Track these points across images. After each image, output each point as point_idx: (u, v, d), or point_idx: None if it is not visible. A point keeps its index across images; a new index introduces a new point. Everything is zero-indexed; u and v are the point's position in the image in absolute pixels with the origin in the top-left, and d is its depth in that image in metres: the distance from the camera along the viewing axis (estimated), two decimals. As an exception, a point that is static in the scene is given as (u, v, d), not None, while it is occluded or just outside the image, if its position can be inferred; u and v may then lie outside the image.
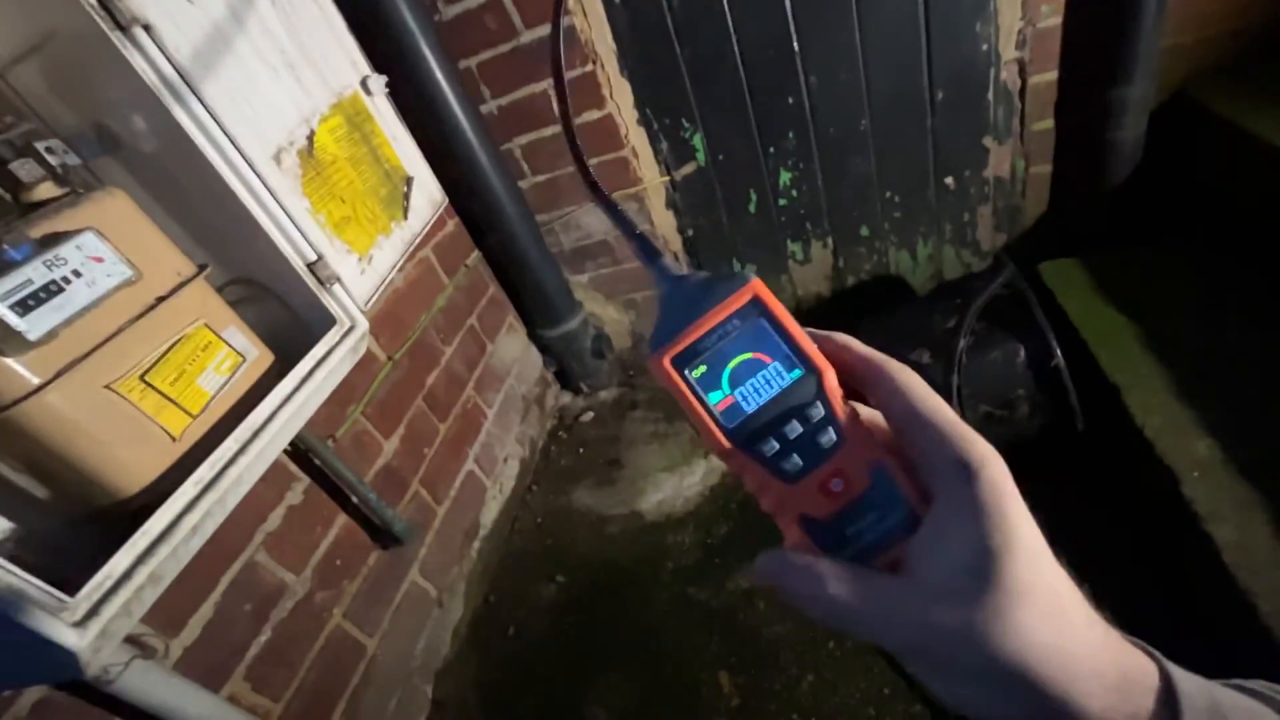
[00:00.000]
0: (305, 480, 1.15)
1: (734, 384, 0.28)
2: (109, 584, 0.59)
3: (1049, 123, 1.55)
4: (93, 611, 0.57)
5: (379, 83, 1.15)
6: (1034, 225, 1.70)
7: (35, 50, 0.76)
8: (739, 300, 0.28)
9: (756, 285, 0.28)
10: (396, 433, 1.40)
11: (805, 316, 1.99)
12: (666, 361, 0.28)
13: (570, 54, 1.59)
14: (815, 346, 0.29)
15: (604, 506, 1.70)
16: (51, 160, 0.73)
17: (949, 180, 1.66)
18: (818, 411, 0.28)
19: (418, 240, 1.33)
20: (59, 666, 0.58)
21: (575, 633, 1.42)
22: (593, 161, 1.77)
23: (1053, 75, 1.48)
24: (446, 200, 1.50)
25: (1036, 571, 0.24)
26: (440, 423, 1.54)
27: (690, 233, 1.89)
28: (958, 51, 1.47)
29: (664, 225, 1.88)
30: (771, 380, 0.28)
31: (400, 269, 1.42)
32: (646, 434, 1.87)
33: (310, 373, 0.84)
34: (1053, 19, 1.41)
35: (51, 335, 0.60)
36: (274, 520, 1.08)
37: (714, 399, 0.28)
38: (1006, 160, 1.62)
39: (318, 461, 1.14)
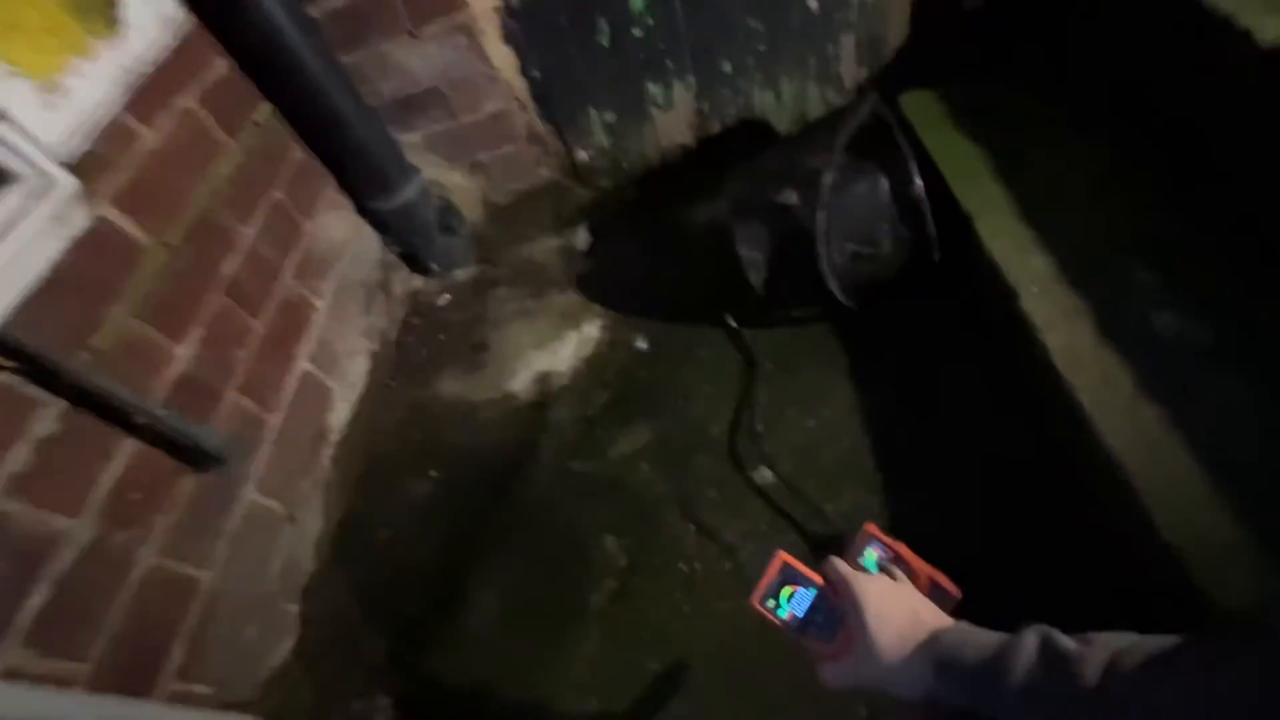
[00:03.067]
0: (59, 404, 0.89)
1: (788, 602, 0.56)
2: None
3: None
4: None
5: None
6: (895, 57, 1.64)
7: None
8: (776, 565, 0.57)
9: (782, 555, 0.58)
10: (191, 335, 1.13)
11: (671, 171, 1.85)
12: (755, 604, 0.57)
13: None
14: (816, 574, 0.57)
15: (473, 393, 1.56)
16: None
17: (813, 4, 1.52)
18: (826, 604, 0.56)
19: (147, 73, 0.98)
20: None
21: (455, 524, 1.33)
22: (403, -20, 1.42)
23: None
24: (191, 20, 1.13)
25: (877, 639, 0.51)
26: (253, 319, 1.28)
27: (535, 74, 1.63)
28: None
29: (504, 66, 1.60)
30: (803, 596, 0.56)
31: (147, 120, 1.07)
32: (512, 312, 1.71)
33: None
34: None
35: None
36: (17, 458, 0.83)
37: (781, 614, 0.56)
38: (869, -20, 1.50)
39: (72, 380, 0.88)
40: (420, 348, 1.72)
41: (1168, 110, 1.12)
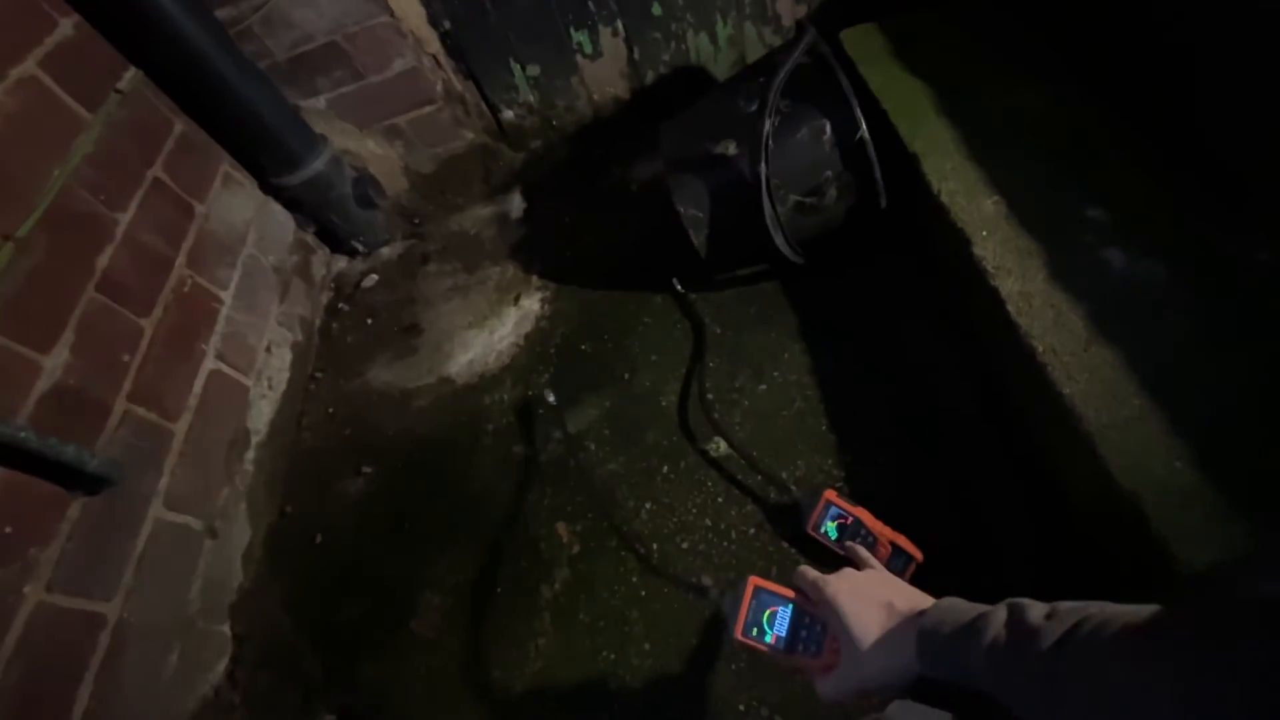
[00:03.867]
0: (-113, 436, 0.76)
1: (770, 625, 0.58)
2: None
3: None
4: None
5: None
6: (833, -10, 1.54)
7: None
8: (749, 593, 0.59)
9: (755, 580, 0.60)
10: (61, 340, 0.99)
11: (605, 127, 1.73)
12: (739, 636, 0.58)
13: None
14: (785, 589, 0.59)
15: (407, 380, 1.46)
16: None
17: (743, -67, 1.41)
18: (807, 620, 0.58)
19: None
20: None
21: (395, 522, 1.25)
22: (279, -83, 1.24)
23: None
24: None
25: (863, 639, 0.52)
26: (140, 317, 1.14)
27: (446, 25, 1.48)
28: None
29: (410, 15, 1.44)
30: (783, 616, 0.58)
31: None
32: (445, 290, 1.60)
33: None
34: None
35: None
36: None
37: (766, 639, 0.58)
38: (802, -97, 1.38)
39: (-99, 405, 0.75)
40: (347, 335, 1.59)
41: (1114, 40, 1.07)
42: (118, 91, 1.20)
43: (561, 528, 1.16)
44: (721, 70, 1.65)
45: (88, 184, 1.10)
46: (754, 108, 1.13)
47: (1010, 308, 0.93)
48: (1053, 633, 0.39)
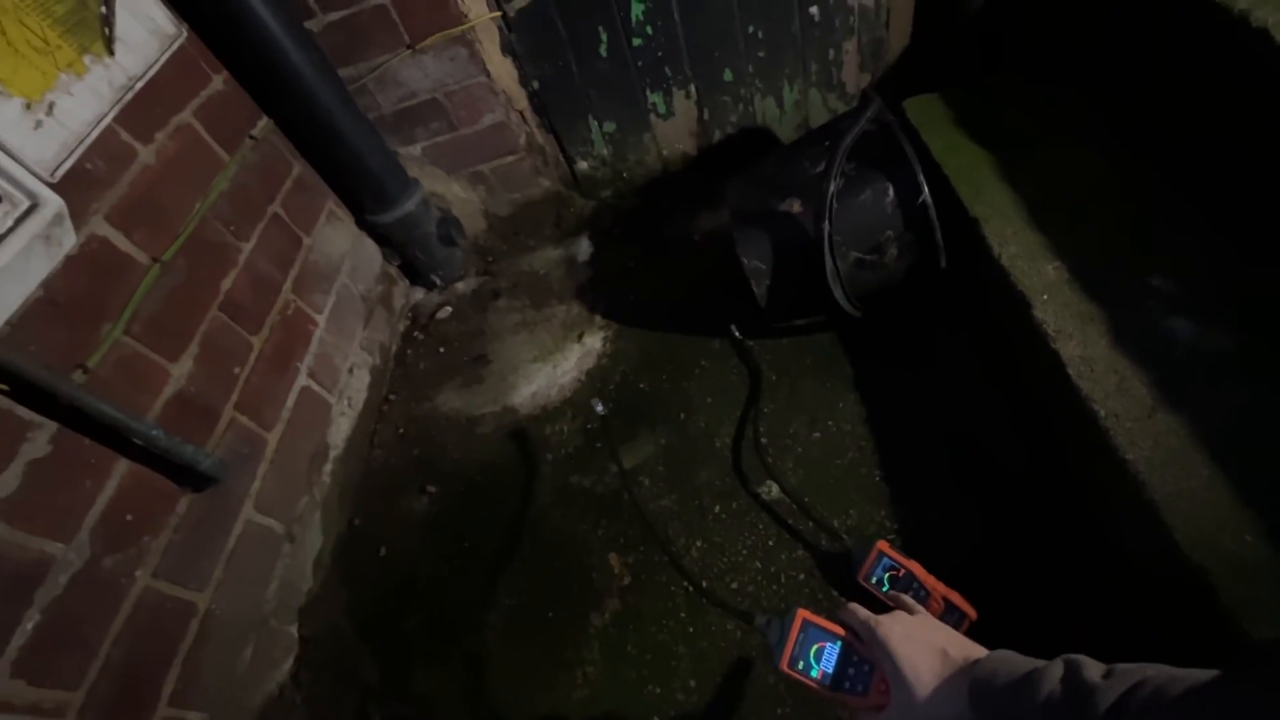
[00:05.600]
0: (50, 426, 0.88)
1: (818, 660, 0.57)
2: None
3: (912, -63, 1.42)
4: None
5: None
6: (898, 60, 1.62)
7: None
8: (798, 624, 0.59)
9: (803, 613, 0.59)
10: (187, 352, 1.12)
11: (673, 180, 1.83)
12: (785, 668, 0.58)
13: None
14: (837, 625, 0.59)
15: (473, 407, 1.54)
16: None
17: (813, 10, 1.51)
18: (854, 658, 0.57)
19: (137, 87, 0.97)
20: None
21: (455, 541, 1.31)
22: (401, -7, 1.41)
23: (917, -124, 1.33)
24: (184, 34, 1.12)
25: (916, 681, 0.51)
26: (252, 336, 1.27)
27: (535, 85, 1.62)
28: None
29: (503, 77, 1.59)
30: (830, 652, 0.57)
31: (141, 137, 1.06)
32: (513, 324, 1.70)
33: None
34: None
35: None
36: (8, 483, 0.82)
37: (813, 674, 0.57)
38: (870, -16, 1.48)
39: (64, 400, 0.87)
40: (420, 361, 1.70)
41: (1179, 111, 1.09)
42: (251, 137, 1.37)
43: (614, 559, 1.20)
44: (785, 132, 1.74)
45: (221, 216, 1.25)
46: (819, 169, 1.20)
47: (1071, 371, 0.94)
48: (1111, 692, 0.39)
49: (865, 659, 0.56)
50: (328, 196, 1.61)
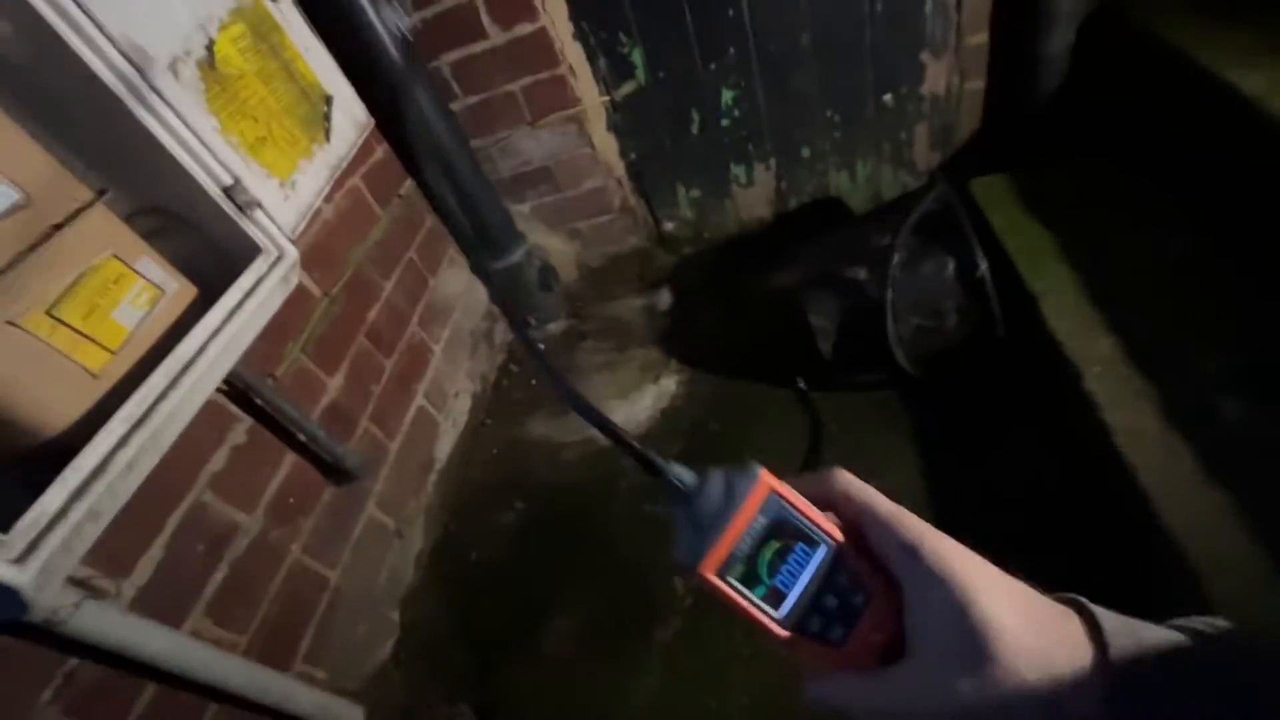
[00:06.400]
0: (248, 420, 1.12)
1: (771, 574, 0.31)
2: (44, 520, 0.57)
3: (984, 36, 1.56)
4: (31, 548, 0.56)
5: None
6: (968, 142, 1.74)
7: None
8: (756, 497, 0.32)
9: (768, 478, 0.32)
10: (340, 370, 1.36)
11: (749, 242, 2.01)
12: (709, 574, 0.31)
13: (497, -41, 1.48)
14: (825, 519, 0.33)
15: (558, 435, 1.73)
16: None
17: (887, 97, 1.67)
18: (843, 578, 0.32)
19: (343, 165, 1.25)
20: (6, 605, 0.57)
21: (536, 553, 1.47)
22: (526, 80, 1.69)
23: (989, -15, 1.48)
24: (372, 122, 1.41)
25: (1000, 636, 0.28)
26: (385, 359, 1.51)
27: (632, 157, 1.85)
28: (896, -40, 1.44)
29: (605, 150, 1.83)
30: (801, 561, 0.32)
31: (328, 198, 1.34)
32: (597, 364, 1.89)
33: (239, 304, 0.80)
34: (990, -76, 1.40)
35: (-64, 266, 0.55)
36: (218, 461, 1.06)
37: (759, 593, 0.31)
38: (943, 76, 1.63)
39: (259, 401, 1.11)
40: (514, 391, 1.92)
41: (1235, 198, 1.16)
42: (399, 196, 1.66)
43: (679, 583, 1.32)
44: (858, 202, 1.88)
45: (372, 260, 1.52)
46: (885, 241, 1.33)
47: (1119, 441, 1.01)
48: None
49: (858, 586, 0.32)
50: (450, 244, 1.88)
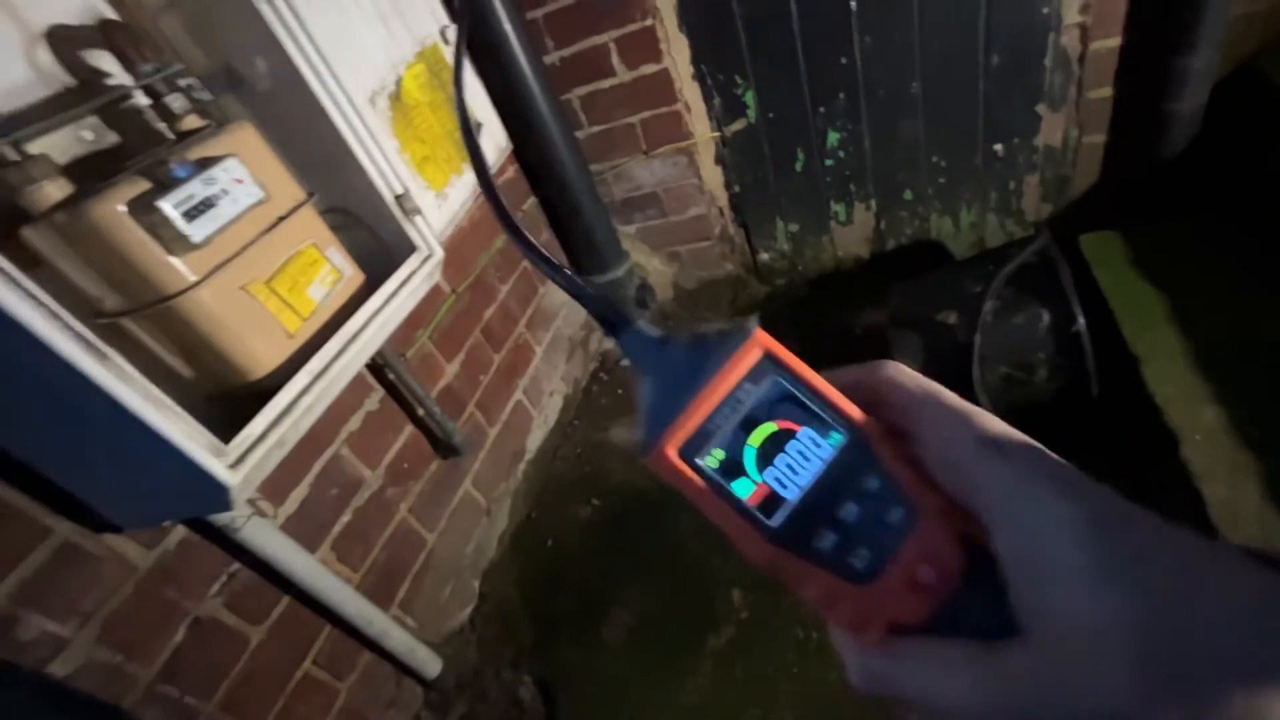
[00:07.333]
0: (380, 391, 1.32)
1: (762, 466, 0.23)
2: (250, 440, 0.75)
3: (1107, 90, 1.54)
4: (240, 459, 0.73)
5: (455, 32, 1.25)
6: (1082, 196, 1.70)
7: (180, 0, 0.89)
8: (746, 358, 0.23)
9: (762, 336, 0.23)
10: (457, 358, 1.55)
11: (843, 278, 2.04)
12: (671, 451, 0.22)
13: (631, 7, 1.65)
14: (846, 399, 0.23)
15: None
16: (195, 96, 0.87)
17: (998, 147, 1.67)
18: (874, 482, 0.23)
19: None
20: (214, 500, 0.75)
21: (606, 548, 1.58)
22: (646, 114, 1.84)
23: (1115, 42, 1.47)
24: (510, 146, 1.61)
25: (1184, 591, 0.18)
26: (495, 354, 1.69)
27: (736, 189, 1.95)
28: (1017, 15, 1.47)
29: (711, 181, 1.95)
30: (809, 453, 0.23)
31: (466, 209, 1.54)
32: (681, 380, 1.99)
33: (395, 292, 0.98)
34: (1121, -18, 1.40)
35: (207, 241, 0.74)
36: (355, 422, 1.25)
37: (742, 491, 0.22)
38: (1059, 128, 1.62)
39: (391, 376, 1.30)
40: (602, 397, 2.05)
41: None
42: (522, 210, 1.86)
43: (736, 594, 1.38)
44: (958, 248, 1.88)
45: (494, 265, 1.71)
46: (978, 288, 1.34)
47: (1214, 514, 0.98)
48: None
49: (897, 495, 0.23)
50: (559, 257, 2.06)
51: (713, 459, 0.23)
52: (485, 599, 1.56)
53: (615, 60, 1.74)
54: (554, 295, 1.99)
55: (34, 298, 0.57)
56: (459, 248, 1.56)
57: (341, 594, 1.12)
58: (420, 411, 1.37)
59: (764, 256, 2.09)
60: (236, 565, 1.01)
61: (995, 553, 0.21)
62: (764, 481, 0.23)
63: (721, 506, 0.23)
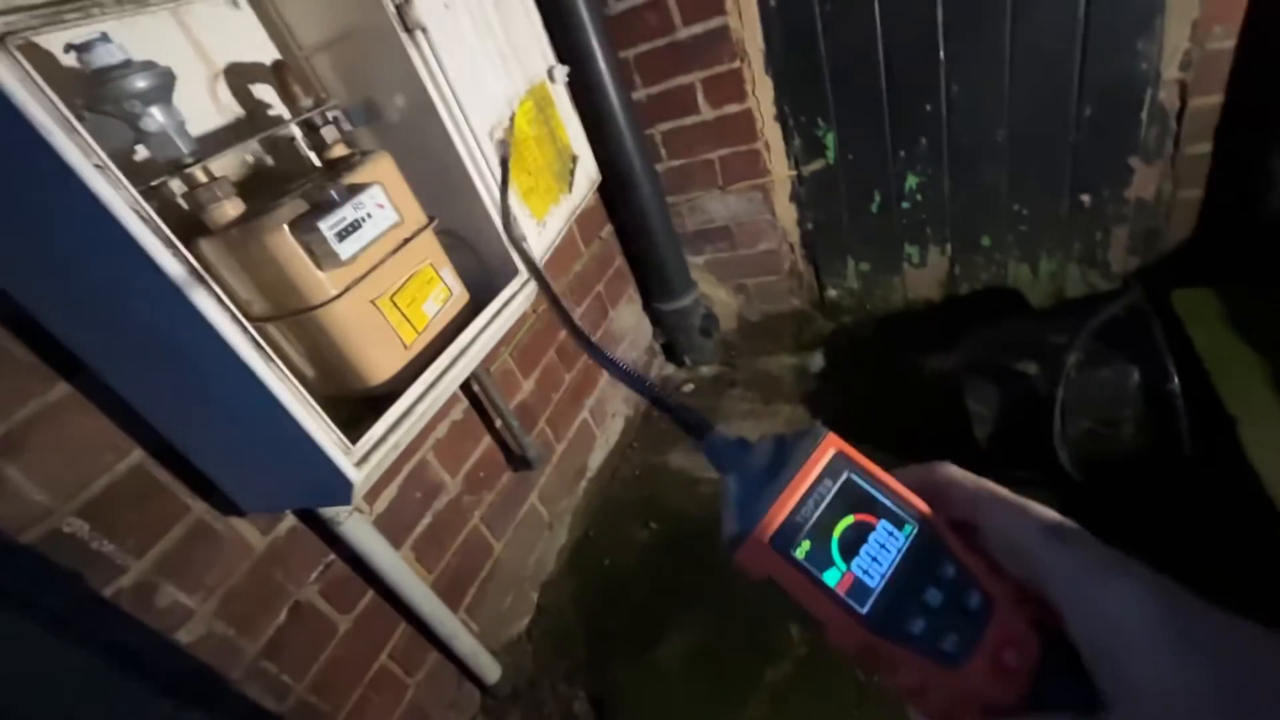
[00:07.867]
0: (465, 402, 1.39)
1: (847, 557, 0.24)
2: (371, 443, 0.82)
3: (1206, 146, 1.51)
4: (364, 458, 0.80)
5: (561, 72, 1.34)
6: (1173, 251, 1.66)
7: (335, 42, 1.00)
8: (822, 456, 0.26)
9: (834, 438, 0.27)
10: (533, 375, 1.62)
11: (912, 320, 2.03)
12: (767, 543, 0.24)
13: (720, 50, 1.72)
14: (911, 494, 0.27)
15: (696, 469, 1.86)
16: (342, 127, 0.97)
17: (1085, 197, 1.65)
18: (950, 570, 0.25)
19: (578, 212, 1.53)
20: (337, 493, 0.82)
21: (662, 572, 1.60)
22: (725, 151, 1.90)
23: (1217, 99, 1.44)
24: (600, 178, 1.69)
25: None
26: (566, 373, 1.76)
27: (809, 226, 1.98)
28: (1113, 69, 1.46)
29: (785, 217, 1.99)
30: (886, 543, 0.25)
31: (561, 236, 1.63)
32: (742, 411, 2.00)
33: (499, 311, 1.05)
34: (1225, 41, 1.38)
35: (352, 259, 0.83)
36: (442, 430, 1.32)
37: (832, 579, 0.24)
38: (1153, 182, 1.59)
39: (477, 388, 1.37)
40: (662, 422, 2.09)
41: None
42: (599, 238, 1.93)
43: (796, 631, 1.37)
44: (1036, 297, 1.85)
45: (571, 289, 1.79)
46: (1062, 340, 1.32)
47: (1318, 590, 0.93)
48: None
49: (971, 581, 0.25)
50: (629, 283, 2.12)
51: (801, 550, 0.25)
52: (543, 612, 1.59)
53: (700, 99, 1.81)
54: (621, 320, 2.05)
55: (223, 303, 0.65)
56: (546, 271, 1.64)
57: (420, 593, 1.18)
58: (499, 424, 1.43)
59: (832, 293, 2.11)
60: (332, 556, 1.09)
61: (1070, 632, 0.23)
62: (851, 570, 0.25)
63: (815, 594, 0.24)
